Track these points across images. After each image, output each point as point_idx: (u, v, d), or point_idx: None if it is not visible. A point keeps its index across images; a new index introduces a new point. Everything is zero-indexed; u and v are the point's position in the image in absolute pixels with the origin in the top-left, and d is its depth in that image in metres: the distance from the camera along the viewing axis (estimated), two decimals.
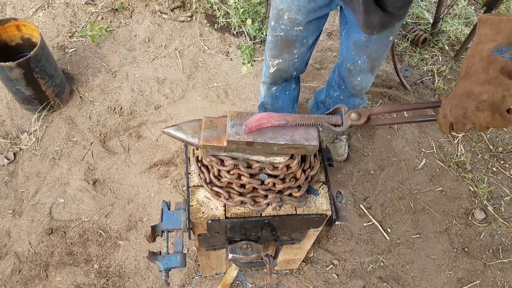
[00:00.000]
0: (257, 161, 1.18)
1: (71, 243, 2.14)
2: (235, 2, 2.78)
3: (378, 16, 1.30)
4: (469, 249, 2.30)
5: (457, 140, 2.70)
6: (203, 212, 1.26)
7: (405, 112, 2.77)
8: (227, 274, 1.90)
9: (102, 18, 3.02)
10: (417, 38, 3.07)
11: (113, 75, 2.75)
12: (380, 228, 2.32)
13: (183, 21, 3.06)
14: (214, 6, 3.00)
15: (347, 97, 2.03)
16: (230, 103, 2.70)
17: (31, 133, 2.46)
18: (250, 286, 2.10)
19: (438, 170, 2.56)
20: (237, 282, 2.10)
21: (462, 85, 0.89)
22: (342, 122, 1.11)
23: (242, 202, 1.23)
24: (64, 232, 2.17)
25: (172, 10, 3.09)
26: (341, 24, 1.78)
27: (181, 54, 2.90)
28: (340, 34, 1.83)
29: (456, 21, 3.28)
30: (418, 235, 2.32)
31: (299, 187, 1.25)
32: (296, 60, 1.79)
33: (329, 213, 1.32)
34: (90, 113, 2.57)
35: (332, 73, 2.17)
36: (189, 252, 2.16)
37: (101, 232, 2.18)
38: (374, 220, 2.34)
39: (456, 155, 2.63)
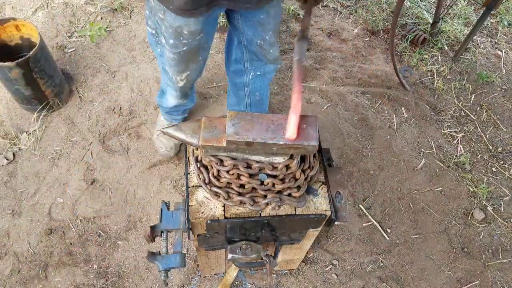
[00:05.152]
0: (257, 161, 1.18)
1: (70, 243, 2.14)
2: None
3: None
4: (469, 249, 2.30)
5: (456, 140, 2.71)
6: (202, 212, 1.26)
7: (404, 112, 2.78)
8: (227, 274, 1.90)
9: (102, 18, 3.02)
10: (417, 38, 3.07)
11: (113, 75, 2.75)
12: (380, 228, 2.32)
13: None
14: None
15: (265, 63, 1.97)
16: None
17: (30, 133, 2.45)
18: (249, 286, 2.10)
19: (437, 170, 2.56)
20: (236, 282, 2.10)
21: None
22: None
23: (241, 202, 1.23)
24: (63, 232, 2.17)
25: None
26: (233, 19, 1.73)
27: None
28: (234, 23, 1.75)
29: (455, 21, 3.29)
30: (417, 235, 2.32)
31: (298, 187, 1.25)
32: (201, 64, 1.79)
33: (328, 213, 1.32)
34: (90, 113, 2.57)
35: (232, 64, 2.04)
36: (189, 252, 2.16)
37: (100, 232, 2.18)
38: (373, 220, 2.34)
39: (456, 155, 2.63)
